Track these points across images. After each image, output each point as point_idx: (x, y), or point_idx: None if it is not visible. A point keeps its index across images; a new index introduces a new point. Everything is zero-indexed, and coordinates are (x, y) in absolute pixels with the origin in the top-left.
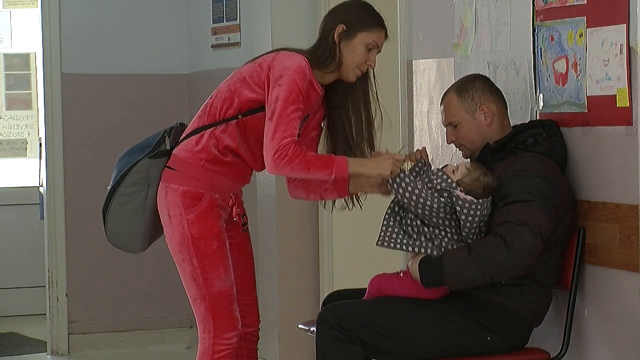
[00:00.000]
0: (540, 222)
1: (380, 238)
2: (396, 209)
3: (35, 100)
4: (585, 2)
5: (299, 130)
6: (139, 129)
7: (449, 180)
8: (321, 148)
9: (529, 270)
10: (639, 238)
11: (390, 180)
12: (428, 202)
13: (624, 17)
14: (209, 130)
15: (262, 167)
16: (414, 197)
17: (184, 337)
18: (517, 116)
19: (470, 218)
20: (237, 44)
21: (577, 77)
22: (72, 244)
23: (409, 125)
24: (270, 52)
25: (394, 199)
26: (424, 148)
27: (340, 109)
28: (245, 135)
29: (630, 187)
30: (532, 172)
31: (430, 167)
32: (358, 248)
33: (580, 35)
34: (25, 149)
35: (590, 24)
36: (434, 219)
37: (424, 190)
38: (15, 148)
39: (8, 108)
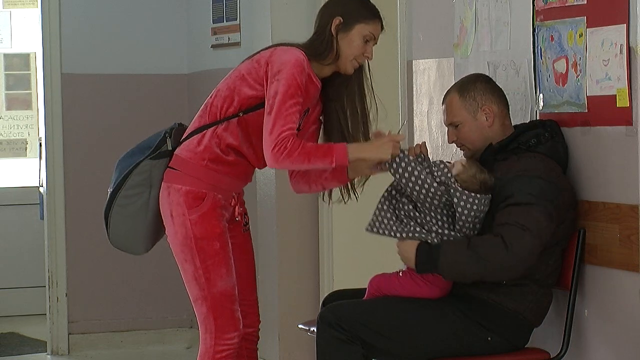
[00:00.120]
0: (541, 225)
1: (371, 223)
2: (393, 192)
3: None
4: (585, 2)
5: (299, 124)
6: (139, 129)
7: (449, 175)
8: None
9: (529, 271)
10: (639, 238)
11: (389, 161)
12: (426, 185)
13: (624, 17)
14: (210, 130)
15: (265, 164)
16: (413, 179)
17: (184, 337)
18: (517, 116)
19: (466, 212)
20: (237, 44)
21: (577, 77)
22: (72, 244)
23: (409, 125)
24: (268, 48)
25: (392, 183)
26: (424, 143)
27: (335, 102)
28: (246, 133)
29: (630, 187)
30: (534, 173)
31: (430, 161)
32: (358, 248)
33: (580, 35)
34: (25, 149)
35: (590, 24)
36: (427, 204)
37: (423, 172)
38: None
39: (8, 108)
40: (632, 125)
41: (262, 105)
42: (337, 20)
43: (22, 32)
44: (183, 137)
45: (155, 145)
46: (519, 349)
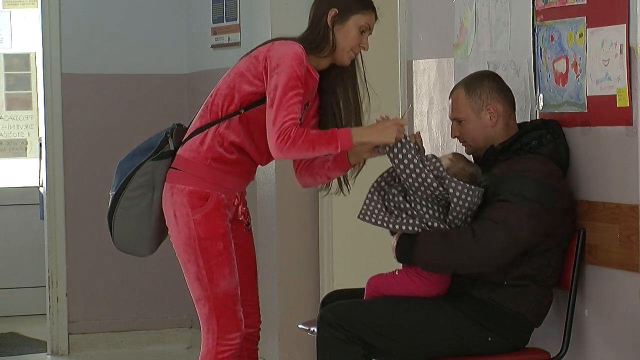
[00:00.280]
0: (520, 224)
1: (362, 212)
2: (382, 183)
3: (35, 100)
4: (585, 2)
5: (300, 116)
6: (139, 129)
7: (441, 169)
8: None
9: (530, 271)
10: (639, 238)
11: (390, 146)
12: (423, 175)
13: (624, 17)
14: (212, 128)
15: (268, 160)
16: (411, 166)
17: (184, 337)
18: (517, 116)
19: (461, 202)
20: (237, 44)
21: (577, 77)
22: (72, 244)
23: (409, 125)
24: (265, 43)
25: (381, 174)
26: (418, 133)
27: (329, 94)
28: (248, 130)
29: (630, 187)
30: (531, 175)
31: (425, 152)
32: (358, 248)
33: (580, 35)
34: (25, 149)
35: (590, 24)
36: (420, 192)
37: (421, 162)
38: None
39: (8, 108)
40: (632, 125)
41: (263, 101)
42: (333, 11)
43: (22, 32)
44: (185, 137)
45: (157, 146)
46: (519, 349)
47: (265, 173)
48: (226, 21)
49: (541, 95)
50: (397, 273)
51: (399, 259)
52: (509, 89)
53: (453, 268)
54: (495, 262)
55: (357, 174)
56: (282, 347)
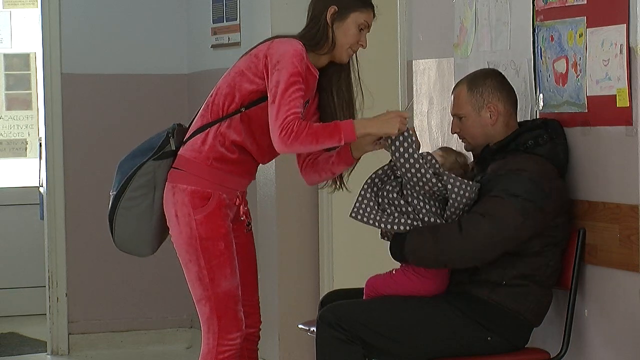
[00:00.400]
0: (507, 218)
1: (355, 210)
2: (376, 180)
3: (35, 100)
4: (585, 2)
5: (302, 112)
6: (139, 129)
7: (437, 165)
8: None
9: (528, 271)
10: (639, 238)
11: (392, 138)
12: (422, 170)
13: (624, 17)
14: (213, 128)
15: (269, 159)
16: (411, 160)
17: (184, 337)
18: (517, 116)
19: (459, 198)
20: (237, 44)
21: (577, 77)
22: (72, 244)
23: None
24: (264, 41)
25: (375, 171)
26: (413, 129)
27: (327, 91)
28: (249, 128)
29: (630, 187)
30: (526, 174)
31: (420, 147)
32: (358, 248)
33: (580, 35)
34: (25, 149)
35: (590, 24)
36: (418, 187)
37: (421, 157)
38: (15, 148)
39: (8, 108)
40: (632, 125)
41: (264, 99)
42: (332, 9)
43: (22, 32)
44: (186, 137)
45: (159, 146)
46: (519, 349)
47: (265, 173)
48: (226, 21)
49: (541, 95)
50: (394, 272)
51: (393, 256)
52: (512, 88)
53: (443, 262)
54: (481, 255)
55: (350, 172)
56: (282, 347)
